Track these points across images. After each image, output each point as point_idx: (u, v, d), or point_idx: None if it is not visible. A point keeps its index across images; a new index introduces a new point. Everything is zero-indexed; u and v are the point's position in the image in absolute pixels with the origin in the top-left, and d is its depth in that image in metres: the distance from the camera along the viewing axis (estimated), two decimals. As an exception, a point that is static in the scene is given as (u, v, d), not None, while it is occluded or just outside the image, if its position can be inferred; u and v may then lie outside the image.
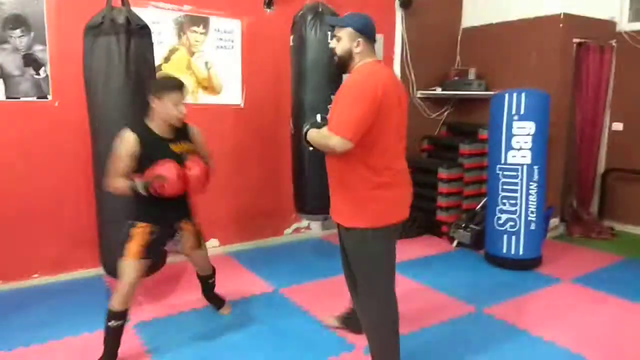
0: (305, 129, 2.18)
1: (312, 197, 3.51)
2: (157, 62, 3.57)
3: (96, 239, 3.00)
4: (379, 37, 4.66)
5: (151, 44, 2.88)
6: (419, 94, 4.94)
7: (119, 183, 2.30)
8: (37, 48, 3.21)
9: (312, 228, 4.54)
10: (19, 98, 3.20)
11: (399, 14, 4.71)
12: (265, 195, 4.24)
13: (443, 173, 4.48)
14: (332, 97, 3.31)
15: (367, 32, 2.10)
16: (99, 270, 3.20)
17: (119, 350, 2.40)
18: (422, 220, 4.64)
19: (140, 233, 2.36)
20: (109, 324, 2.33)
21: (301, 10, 3.41)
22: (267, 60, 4.04)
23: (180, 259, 3.77)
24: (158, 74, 2.40)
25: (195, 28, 3.74)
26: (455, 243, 4.28)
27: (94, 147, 2.85)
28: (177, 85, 2.32)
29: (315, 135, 2.10)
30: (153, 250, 2.43)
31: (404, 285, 3.42)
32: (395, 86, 2.08)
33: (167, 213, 2.44)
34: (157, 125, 2.36)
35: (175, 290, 3.32)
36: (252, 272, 3.66)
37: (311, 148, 2.17)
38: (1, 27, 3.09)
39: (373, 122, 1.97)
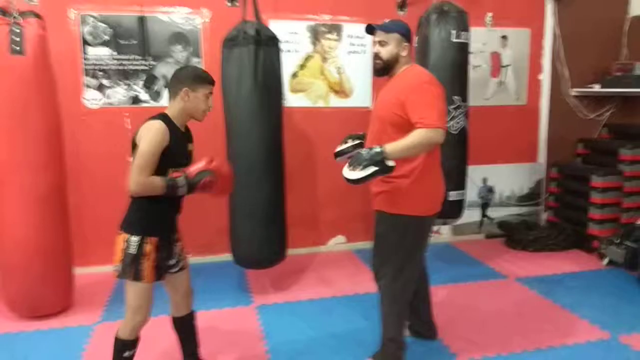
0: (378, 161, 1.98)
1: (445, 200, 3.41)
2: (293, 69, 3.92)
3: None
4: (525, 32, 4.36)
5: (278, 53, 3.14)
6: (574, 92, 4.45)
7: (152, 180, 1.93)
8: (194, 60, 3.75)
9: (442, 233, 4.43)
10: (178, 104, 3.77)
11: (549, 6, 4.32)
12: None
13: (597, 181, 3.98)
14: (454, 97, 3.32)
15: (410, 37, 2.22)
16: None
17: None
18: (571, 233, 4.19)
19: (153, 250, 2.01)
20: (124, 355, 2.07)
21: (427, 10, 3.38)
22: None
23: (303, 252, 4.06)
24: (184, 67, 2.18)
25: (329, 35, 3.95)
26: (605, 261, 3.76)
27: (228, 146, 3.22)
28: (212, 79, 2.11)
29: (405, 145, 2.01)
30: (163, 268, 2.09)
31: (532, 301, 3.17)
32: None
33: (172, 223, 2.15)
34: (177, 118, 2.06)
35: (299, 282, 3.57)
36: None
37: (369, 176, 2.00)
38: (167, 43, 3.69)
39: None
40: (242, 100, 3.04)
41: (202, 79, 2.06)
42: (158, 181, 1.94)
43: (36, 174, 2.82)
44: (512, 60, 4.37)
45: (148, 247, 2.00)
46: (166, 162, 1.97)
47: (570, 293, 3.27)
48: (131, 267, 1.99)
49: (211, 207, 3.85)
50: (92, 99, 3.61)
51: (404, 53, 2.19)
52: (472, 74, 4.16)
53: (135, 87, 3.66)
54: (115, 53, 3.60)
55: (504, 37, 4.31)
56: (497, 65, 4.35)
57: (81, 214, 3.55)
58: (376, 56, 2.22)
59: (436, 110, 2.03)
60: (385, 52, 2.19)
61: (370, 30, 2.25)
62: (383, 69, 2.22)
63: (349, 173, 2.01)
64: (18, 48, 2.73)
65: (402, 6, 4.02)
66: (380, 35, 2.21)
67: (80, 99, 3.59)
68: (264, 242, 3.17)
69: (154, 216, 2.04)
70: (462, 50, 3.38)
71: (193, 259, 3.91)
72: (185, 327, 2.30)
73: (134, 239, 1.99)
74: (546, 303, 3.13)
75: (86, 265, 3.61)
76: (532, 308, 3.07)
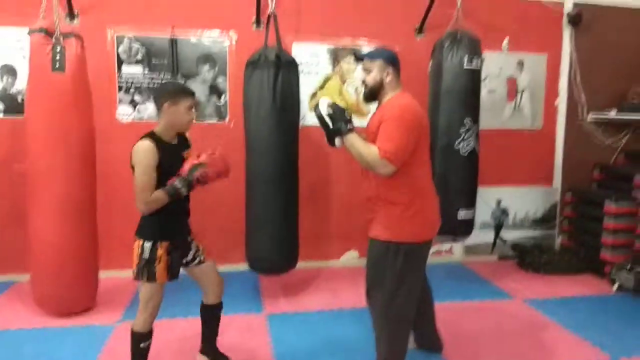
0: (341, 127, 2.22)
1: (454, 218, 3.52)
2: (312, 90, 4.10)
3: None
4: (542, 57, 4.45)
5: (297, 76, 3.34)
6: (591, 117, 4.50)
7: (156, 195, 2.15)
8: (220, 80, 3.98)
9: (453, 252, 4.50)
10: (204, 120, 4.00)
11: (567, 31, 4.41)
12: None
13: (611, 206, 4.00)
14: (465, 120, 3.44)
15: (395, 63, 2.28)
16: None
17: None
18: (583, 257, 4.22)
19: (164, 254, 2.25)
20: (141, 345, 2.30)
21: (441, 37, 3.53)
22: (411, 85, 4.18)
23: (316, 265, 4.19)
24: (165, 83, 2.40)
25: (348, 58, 4.13)
26: (615, 286, 3.77)
27: (247, 158, 3.40)
28: (190, 91, 2.30)
29: (361, 147, 2.18)
30: (176, 268, 2.33)
31: (536, 321, 3.23)
32: (424, 112, 2.30)
33: (182, 226, 2.39)
34: (165, 132, 2.26)
35: (308, 292, 3.70)
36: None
37: (334, 145, 2.27)
38: (195, 63, 3.93)
39: (416, 146, 2.17)
40: (261, 119, 3.24)
41: (181, 92, 2.25)
42: (160, 194, 2.16)
43: (70, 183, 3.06)
44: (528, 85, 4.46)
45: (160, 252, 2.24)
46: (163, 175, 2.18)
47: (576, 316, 3.31)
48: (145, 270, 2.24)
49: (227, 219, 4.05)
50: (124, 113, 3.87)
51: (388, 79, 2.25)
52: (488, 98, 4.30)
53: (164, 103, 3.91)
54: (147, 71, 3.86)
55: (521, 63, 4.41)
56: (513, 90, 4.44)
57: (108, 222, 3.77)
58: (362, 83, 2.33)
59: (396, 144, 2.09)
60: (369, 78, 2.29)
61: (357, 58, 2.41)
62: (369, 94, 2.32)
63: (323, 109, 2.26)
64: (59, 66, 3.00)
65: (420, 31, 4.17)
66: (365, 63, 2.31)
67: (113, 113, 3.85)
68: (276, 248, 3.34)
69: (163, 222, 2.26)
70: (474, 76, 3.52)
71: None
72: (208, 315, 2.57)
73: (147, 245, 2.23)
74: (550, 324, 3.18)
75: (110, 269, 3.83)
76: (535, 328, 3.12)
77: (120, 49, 3.81)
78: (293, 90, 3.31)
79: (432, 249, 4.49)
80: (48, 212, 3.05)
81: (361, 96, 2.37)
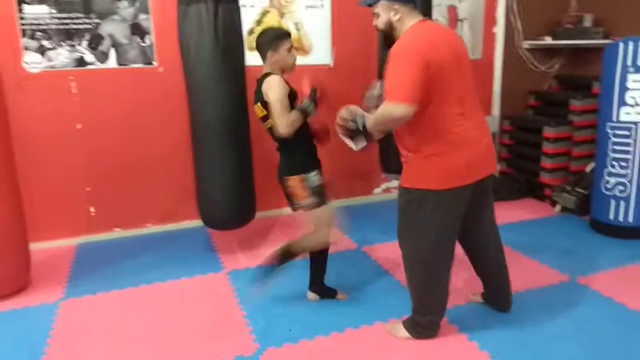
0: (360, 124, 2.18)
1: (397, 157, 3.46)
2: (249, 25, 3.75)
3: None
4: (480, -16, 4.35)
5: (238, 9, 2.99)
6: (526, 44, 4.54)
7: (292, 116, 2.34)
8: (142, 17, 3.50)
9: (394, 190, 4.50)
10: (128, 65, 3.54)
11: (504, -43, 4.34)
12: (356, 155, 4.25)
13: (549, 132, 4.14)
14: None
15: None
16: (201, 222, 3.47)
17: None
18: (523, 182, 4.39)
19: (322, 178, 2.48)
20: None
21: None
22: (356, 18, 3.95)
23: (269, 215, 4.02)
24: (262, 33, 2.47)
25: (285, -11, 3.79)
26: (558, 208, 3.98)
27: (190, 107, 3.08)
28: (285, 33, 2.47)
29: (374, 120, 2.10)
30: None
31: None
32: (448, 41, 2.07)
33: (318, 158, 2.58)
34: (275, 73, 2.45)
35: (267, 243, 3.53)
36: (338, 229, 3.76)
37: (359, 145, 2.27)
38: None
39: (433, 84, 1.95)
40: (202, 59, 2.89)
41: (277, 38, 2.41)
42: (295, 114, 2.35)
43: (-21, 146, 2.60)
44: (468, 14, 4.38)
45: (321, 177, 2.47)
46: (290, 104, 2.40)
47: (527, 240, 3.43)
48: (317, 196, 2.43)
49: (173, 174, 3.73)
50: (32, 62, 3.31)
51: (396, 17, 2.06)
52: (430, 28, 4.16)
53: (79, 48, 3.39)
54: (54, 11, 3.29)
55: (460, -10, 4.30)
56: (454, 19, 4.35)
57: (30, 186, 3.32)
58: (376, 29, 2.18)
59: (400, 82, 1.93)
60: (379, 22, 2.13)
61: (363, 4, 2.20)
62: (386, 40, 2.16)
63: (349, 141, 2.30)
64: (-55, 6, 2.44)
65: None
66: (372, 7, 2.14)
67: (19, 63, 3.28)
68: (231, 202, 3.12)
69: (311, 155, 2.51)
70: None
71: (155, 228, 3.82)
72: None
73: (310, 175, 2.43)
74: (505, 250, 3.26)
75: (40, 241, 3.42)
76: (495, 256, 3.20)
77: (17, -16, 3.20)
78: (237, 26, 2.96)
79: (382, 187, 4.52)
80: (-43, 184, 2.58)
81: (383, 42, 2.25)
